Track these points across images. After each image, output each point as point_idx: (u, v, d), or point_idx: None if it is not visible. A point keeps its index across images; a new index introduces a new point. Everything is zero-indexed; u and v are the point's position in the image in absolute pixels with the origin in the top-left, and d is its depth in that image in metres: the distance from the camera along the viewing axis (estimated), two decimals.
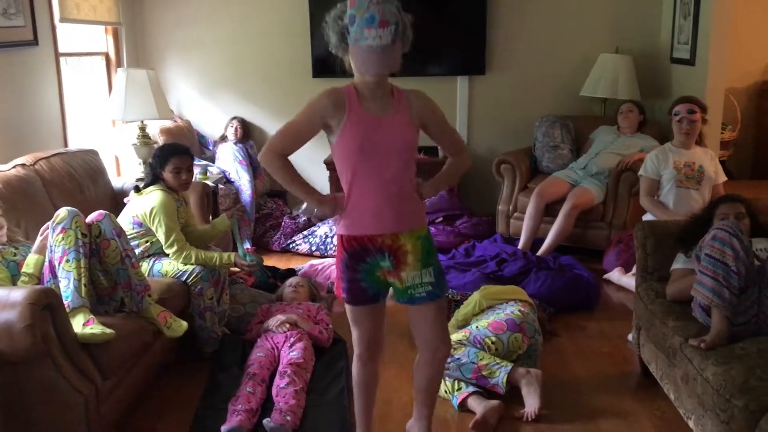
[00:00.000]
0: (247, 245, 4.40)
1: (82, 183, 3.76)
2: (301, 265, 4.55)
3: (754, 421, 2.05)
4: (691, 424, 2.52)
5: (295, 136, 2.19)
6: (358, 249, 2.22)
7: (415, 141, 2.22)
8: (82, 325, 2.51)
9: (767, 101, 5.50)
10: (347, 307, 2.35)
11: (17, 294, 2.31)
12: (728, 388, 2.18)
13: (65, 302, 2.55)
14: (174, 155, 3.36)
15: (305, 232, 5.01)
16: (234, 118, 5.53)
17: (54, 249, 2.68)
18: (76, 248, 2.66)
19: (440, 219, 5.08)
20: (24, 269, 2.74)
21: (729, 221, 2.66)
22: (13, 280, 2.71)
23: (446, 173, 2.38)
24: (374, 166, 2.15)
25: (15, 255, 2.80)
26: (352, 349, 3.35)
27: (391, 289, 2.32)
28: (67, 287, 2.61)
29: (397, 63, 2.09)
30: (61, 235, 2.67)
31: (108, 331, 2.51)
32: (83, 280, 2.64)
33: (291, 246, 5.00)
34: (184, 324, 2.98)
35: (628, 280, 4.23)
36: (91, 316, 2.57)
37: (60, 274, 2.65)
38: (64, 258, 2.65)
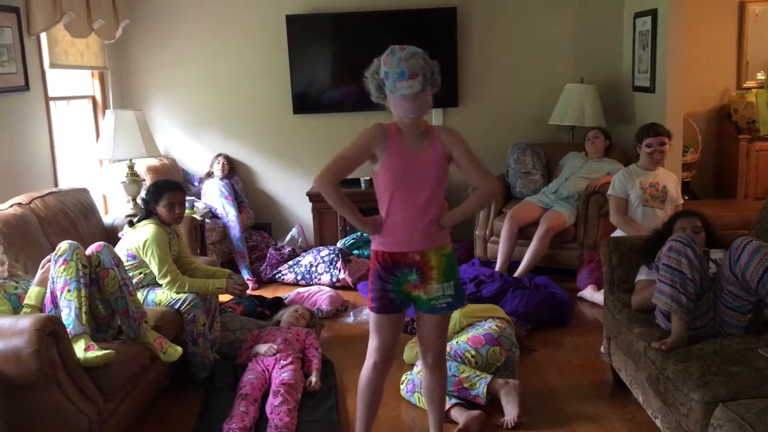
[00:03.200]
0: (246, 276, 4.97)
1: (75, 220, 3.91)
2: (288, 293, 4.71)
3: (709, 411, 2.24)
4: (658, 423, 2.71)
5: (351, 162, 2.48)
6: (391, 263, 2.49)
7: (445, 173, 2.51)
8: (84, 350, 2.66)
9: (726, 125, 5.80)
10: (372, 316, 2.56)
11: (24, 322, 2.46)
12: (686, 383, 2.38)
13: (67, 329, 2.69)
14: (168, 191, 3.54)
15: (290, 262, 5.16)
16: (219, 154, 5.70)
17: (56, 280, 2.83)
18: (77, 278, 2.82)
19: None
20: (26, 301, 2.88)
21: (684, 233, 2.88)
22: (15, 312, 2.84)
23: (463, 206, 2.58)
24: (409, 194, 2.45)
25: (16, 288, 2.95)
26: (339, 369, 3.56)
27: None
28: (68, 315, 2.76)
29: (429, 105, 2.42)
30: (62, 267, 2.82)
31: (108, 351, 2.67)
32: (84, 309, 2.79)
33: (277, 276, 5.16)
34: (179, 349, 3.13)
35: (601, 297, 4.41)
36: (92, 342, 2.72)
37: (62, 303, 2.80)
38: (66, 288, 2.80)
